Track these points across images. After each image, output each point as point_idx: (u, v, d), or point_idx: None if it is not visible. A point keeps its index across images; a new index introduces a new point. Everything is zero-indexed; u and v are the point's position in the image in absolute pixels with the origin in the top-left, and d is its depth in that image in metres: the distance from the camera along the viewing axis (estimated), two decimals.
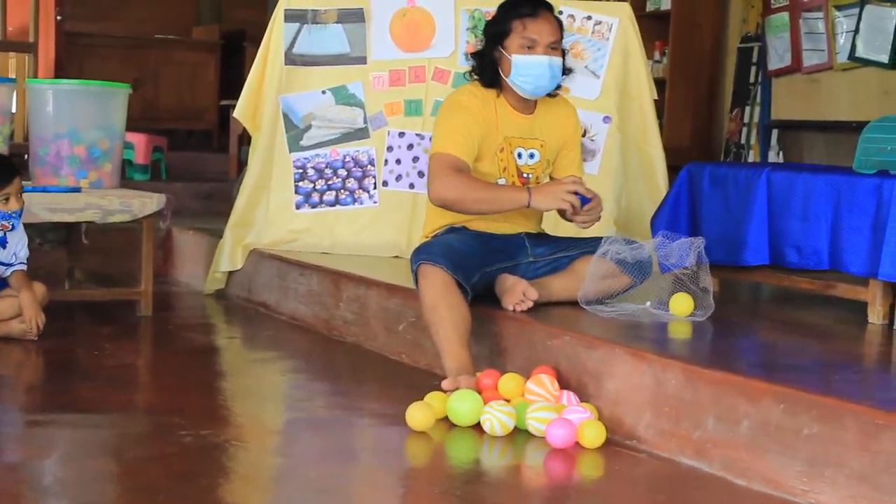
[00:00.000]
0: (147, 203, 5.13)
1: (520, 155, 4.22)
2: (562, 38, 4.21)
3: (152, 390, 4.15)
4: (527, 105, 4.24)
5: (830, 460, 2.87)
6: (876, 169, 4.11)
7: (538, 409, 3.43)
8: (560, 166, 4.37)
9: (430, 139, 4.65)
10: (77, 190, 5.19)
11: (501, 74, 4.17)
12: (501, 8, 4.24)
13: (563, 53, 4.22)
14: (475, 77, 4.25)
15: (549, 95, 4.29)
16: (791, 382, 3.09)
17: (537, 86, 4.16)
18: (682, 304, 4.05)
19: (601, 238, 4.16)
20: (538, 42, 4.11)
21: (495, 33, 4.18)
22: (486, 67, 4.20)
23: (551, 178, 4.41)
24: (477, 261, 4.03)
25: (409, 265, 4.05)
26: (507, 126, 4.20)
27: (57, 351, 4.47)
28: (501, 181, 4.19)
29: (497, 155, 4.18)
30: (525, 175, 4.23)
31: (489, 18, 4.31)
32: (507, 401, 3.55)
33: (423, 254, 3.96)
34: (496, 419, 3.43)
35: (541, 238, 4.32)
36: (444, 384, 3.65)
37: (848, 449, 2.83)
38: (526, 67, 4.12)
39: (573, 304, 4.07)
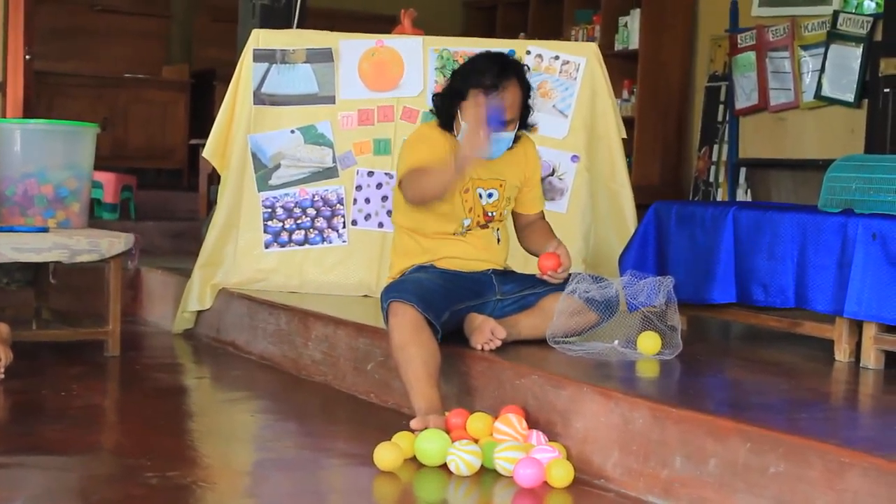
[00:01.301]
0: (115, 243, 5.12)
1: (480, 195, 4.23)
2: (524, 103, 4.16)
3: (119, 431, 4.13)
4: None
5: (797, 499, 2.88)
6: (841, 208, 4.14)
7: (506, 450, 3.43)
8: (522, 202, 4.39)
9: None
10: (44, 230, 5.17)
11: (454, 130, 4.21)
12: (469, 64, 4.20)
13: (527, 108, 4.21)
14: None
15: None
16: (757, 421, 3.10)
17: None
18: (649, 342, 4.06)
19: (569, 275, 4.17)
20: None
21: (456, 89, 4.15)
22: (445, 117, 4.23)
23: (513, 214, 4.42)
24: (446, 299, 4.03)
25: (380, 303, 4.05)
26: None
27: (23, 392, 4.44)
28: (467, 222, 4.21)
29: (461, 196, 4.20)
30: (490, 213, 4.25)
31: (458, 60, 4.32)
32: (476, 441, 3.55)
33: (393, 292, 3.97)
34: (461, 460, 3.42)
35: (508, 276, 4.34)
36: (413, 424, 3.64)
37: (814, 487, 2.85)
38: None
39: (541, 342, 4.09)
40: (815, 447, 2.88)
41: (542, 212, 4.47)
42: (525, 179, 4.36)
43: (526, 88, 4.17)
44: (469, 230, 4.24)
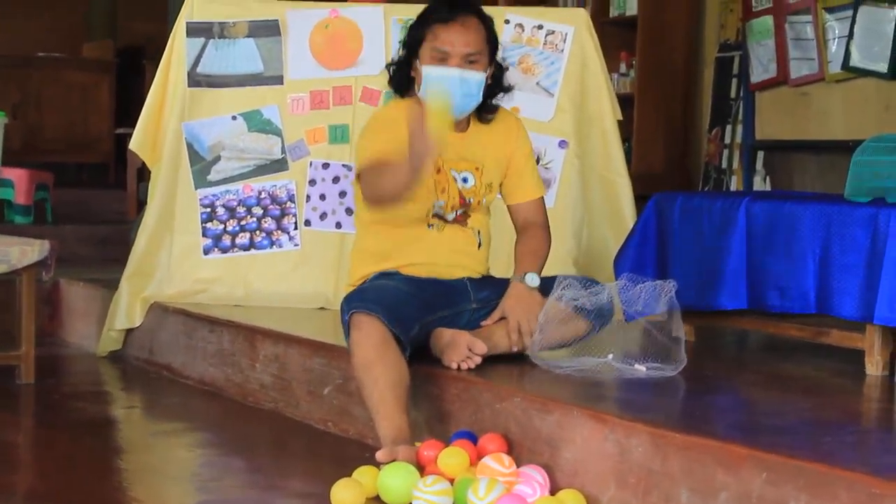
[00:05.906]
0: (27, 251, 5.11)
1: (455, 178, 4.26)
2: (491, 48, 4.23)
3: (34, 472, 4.12)
4: (456, 122, 4.23)
5: None
6: (870, 197, 4.16)
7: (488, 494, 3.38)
8: (508, 189, 4.40)
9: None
10: None
11: (416, 89, 4.23)
12: (421, 13, 4.29)
13: (499, 67, 4.27)
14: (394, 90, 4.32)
15: (485, 114, 4.31)
16: (775, 447, 3.11)
17: None
18: None
19: (555, 278, 4.15)
20: (450, 53, 4.14)
21: (410, 41, 4.24)
22: (400, 79, 4.28)
23: (509, 210, 4.43)
24: (416, 310, 4.04)
25: (339, 315, 4.05)
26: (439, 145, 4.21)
27: None
28: (440, 203, 4.23)
29: (434, 176, 4.20)
30: (467, 199, 4.27)
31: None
32: (451, 480, 3.53)
33: (355, 301, 3.96)
34: (428, 503, 3.42)
35: (485, 282, 4.35)
36: (379, 455, 3.63)
37: None
38: (434, 82, 4.13)
39: (524, 358, 4.10)
40: (841, 476, 2.90)
41: (540, 200, 4.42)
42: (508, 161, 4.35)
43: (487, 23, 4.24)
44: (445, 222, 4.24)
